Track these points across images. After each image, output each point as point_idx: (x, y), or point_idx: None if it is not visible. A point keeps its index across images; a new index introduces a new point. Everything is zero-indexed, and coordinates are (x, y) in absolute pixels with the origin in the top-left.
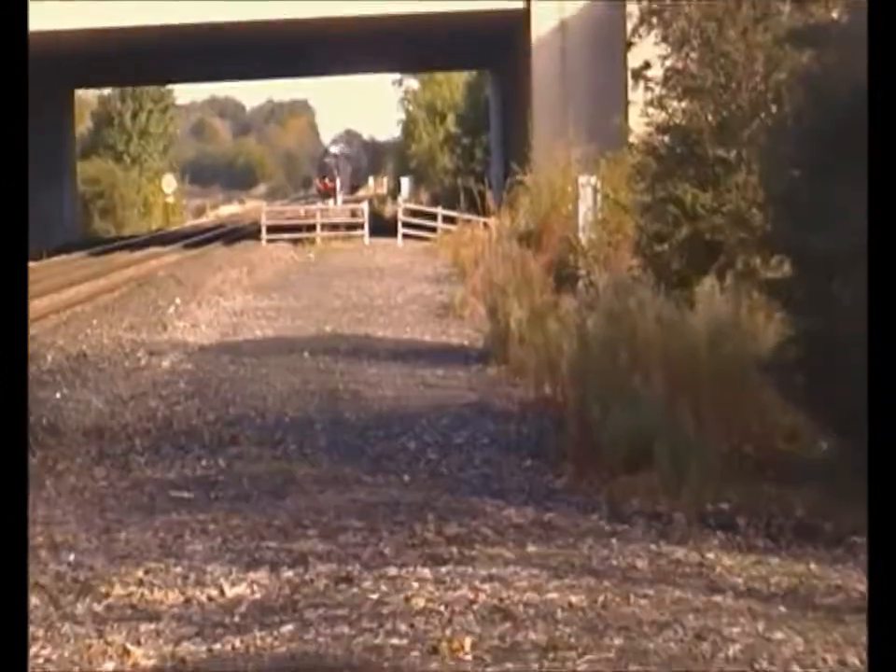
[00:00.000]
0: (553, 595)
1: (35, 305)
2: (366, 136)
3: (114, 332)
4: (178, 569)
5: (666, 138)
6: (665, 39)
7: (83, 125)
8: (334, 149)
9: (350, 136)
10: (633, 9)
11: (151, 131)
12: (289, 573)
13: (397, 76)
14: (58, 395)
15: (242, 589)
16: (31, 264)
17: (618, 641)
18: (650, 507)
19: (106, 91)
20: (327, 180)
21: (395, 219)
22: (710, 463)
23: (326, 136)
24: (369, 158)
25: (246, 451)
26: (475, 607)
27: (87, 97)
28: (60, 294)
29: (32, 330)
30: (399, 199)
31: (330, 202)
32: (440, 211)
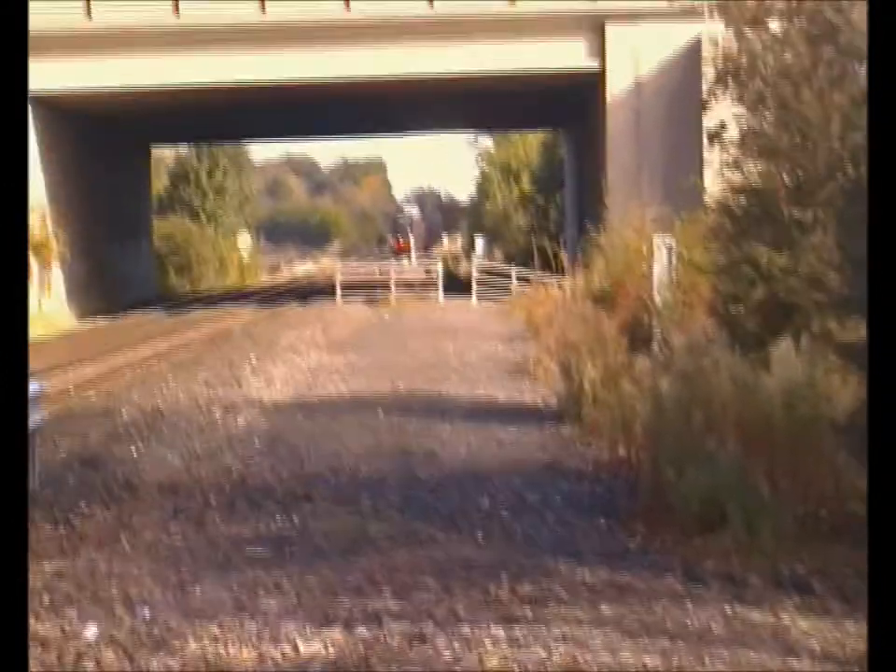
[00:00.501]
0: (628, 657)
1: (112, 362)
2: (440, 195)
3: (189, 388)
4: (253, 626)
5: (742, 199)
6: (740, 100)
7: (160, 182)
8: (408, 208)
9: (424, 195)
10: (708, 70)
11: (227, 188)
12: (363, 631)
13: (472, 134)
14: (133, 450)
15: (316, 646)
16: (106, 321)
17: None
18: (724, 568)
19: (183, 149)
20: (400, 239)
21: (469, 278)
22: (785, 525)
23: (400, 195)
24: (443, 217)
25: (321, 508)
26: (549, 667)
27: (163, 154)
28: (135, 350)
29: (107, 386)
30: (474, 258)
31: (405, 260)
32: (514, 270)
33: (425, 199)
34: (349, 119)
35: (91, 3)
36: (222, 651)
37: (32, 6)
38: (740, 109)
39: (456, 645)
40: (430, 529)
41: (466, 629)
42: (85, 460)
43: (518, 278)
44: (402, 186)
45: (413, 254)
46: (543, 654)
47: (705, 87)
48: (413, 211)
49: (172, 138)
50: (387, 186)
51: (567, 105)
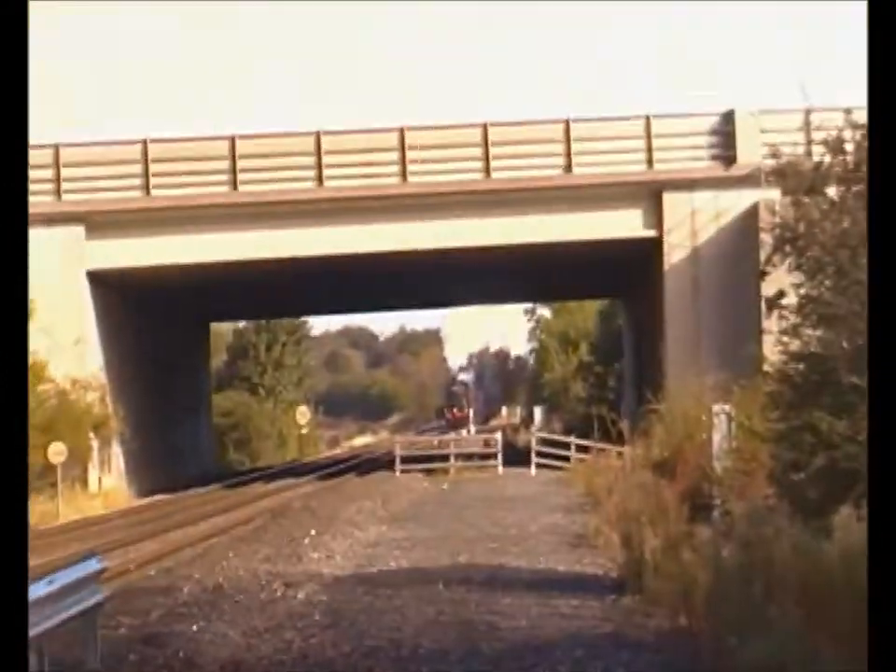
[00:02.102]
0: None
1: (172, 538)
2: (498, 365)
3: (249, 564)
4: None
5: (801, 366)
6: (799, 267)
7: (218, 358)
8: (463, 377)
9: (482, 365)
10: (766, 238)
11: (285, 362)
12: None
13: (529, 305)
14: (194, 628)
15: None
16: (167, 497)
17: None
18: None
19: (241, 324)
20: (455, 410)
21: (528, 448)
22: None
23: (457, 365)
24: (501, 387)
25: None
26: None
27: (222, 330)
28: (196, 527)
29: (168, 563)
30: (532, 428)
31: (463, 431)
32: (573, 440)
33: (482, 369)
34: (407, 292)
35: (151, 179)
36: None
37: (81, 183)
38: (798, 276)
39: None
40: None
41: None
42: (146, 638)
43: (577, 447)
44: (460, 356)
45: (472, 425)
46: None
47: (762, 254)
48: (469, 379)
49: (230, 314)
50: (446, 357)
51: (624, 273)
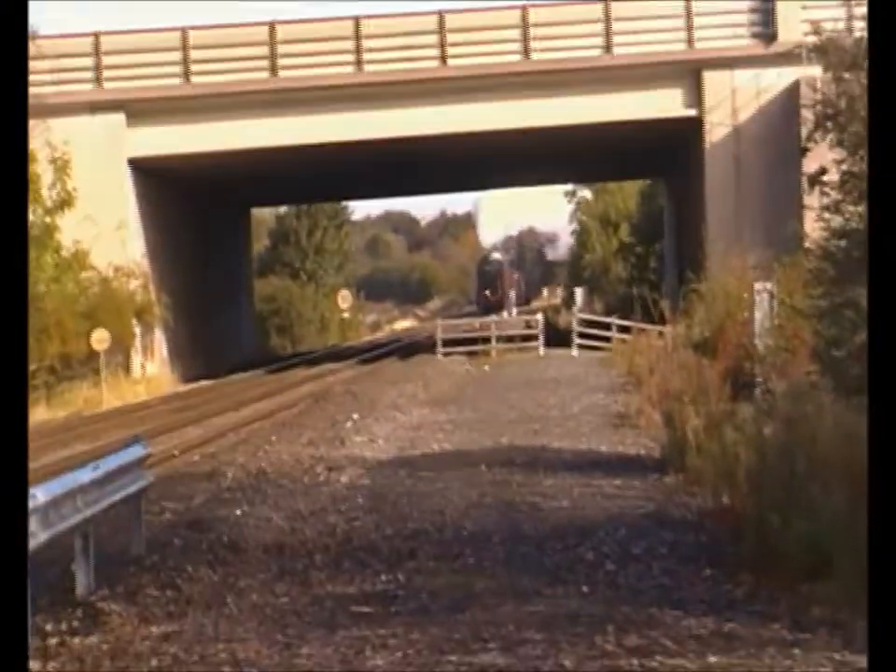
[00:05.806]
0: None
1: (215, 423)
2: (539, 247)
3: (292, 448)
4: None
5: (843, 242)
6: (840, 143)
7: (260, 244)
8: (496, 255)
9: (522, 247)
10: (807, 114)
11: (327, 247)
12: None
13: (569, 186)
14: (238, 512)
15: None
16: (209, 382)
17: None
18: (831, 615)
19: (283, 209)
20: (488, 292)
21: (569, 329)
22: None
23: (494, 246)
24: (542, 268)
25: (425, 565)
26: None
27: (263, 216)
28: (238, 412)
29: (211, 448)
30: (574, 309)
31: (504, 313)
32: (614, 320)
33: (523, 251)
34: (448, 175)
35: (191, 66)
36: None
37: (122, 71)
38: (840, 152)
39: None
40: (535, 584)
41: None
42: (190, 523)
43: (618, 328)
44: (496, 239)
45: (513, 306)
46: None
47: (803, 131)
48: (504, 259)
49: (271, 199)
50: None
51: (665, 153)
